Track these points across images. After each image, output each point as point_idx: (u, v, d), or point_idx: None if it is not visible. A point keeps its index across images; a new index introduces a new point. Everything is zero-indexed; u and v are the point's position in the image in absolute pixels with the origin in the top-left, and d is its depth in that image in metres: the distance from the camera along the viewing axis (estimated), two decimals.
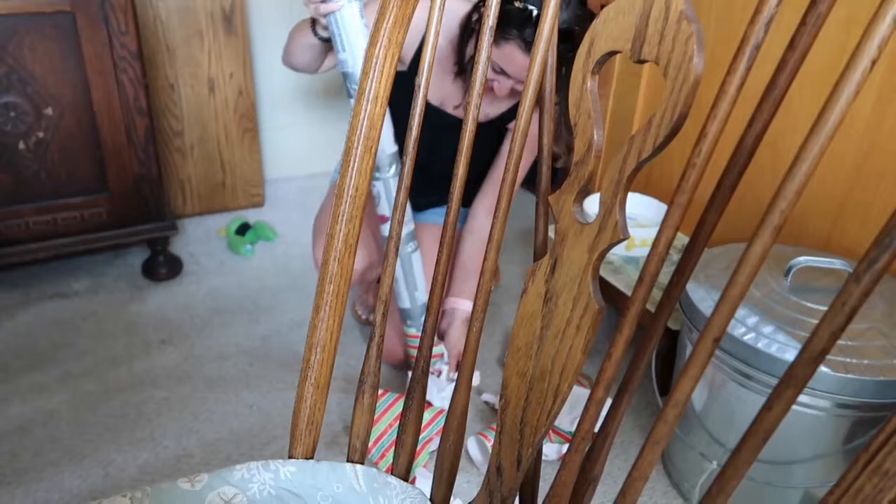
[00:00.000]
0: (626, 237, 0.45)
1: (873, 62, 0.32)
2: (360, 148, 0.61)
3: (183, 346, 1.56)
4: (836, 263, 1.06)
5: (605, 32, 0.45)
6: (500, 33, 1.16)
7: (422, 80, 0.58)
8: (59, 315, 1.65)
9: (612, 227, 0.45)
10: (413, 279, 1.32)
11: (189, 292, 1.77)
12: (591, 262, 0.47)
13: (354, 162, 0.61)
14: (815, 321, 1.00)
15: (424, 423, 1.28)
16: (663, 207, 1.54)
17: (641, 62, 0.43)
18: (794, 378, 0.37)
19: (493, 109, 1.43)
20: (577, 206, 0.48)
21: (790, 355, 0.94)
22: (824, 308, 1.00)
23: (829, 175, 1.27)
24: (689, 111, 0.41)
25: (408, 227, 1.29)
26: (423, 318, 1.40)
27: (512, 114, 1.43)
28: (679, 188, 0.43)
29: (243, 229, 1.96)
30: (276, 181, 2.36)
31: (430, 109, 1.39)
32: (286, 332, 1.63)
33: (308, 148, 2.41)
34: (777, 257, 1.14)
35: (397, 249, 0.62)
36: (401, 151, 1.24)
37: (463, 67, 1.32)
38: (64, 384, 1.43)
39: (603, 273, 1.43)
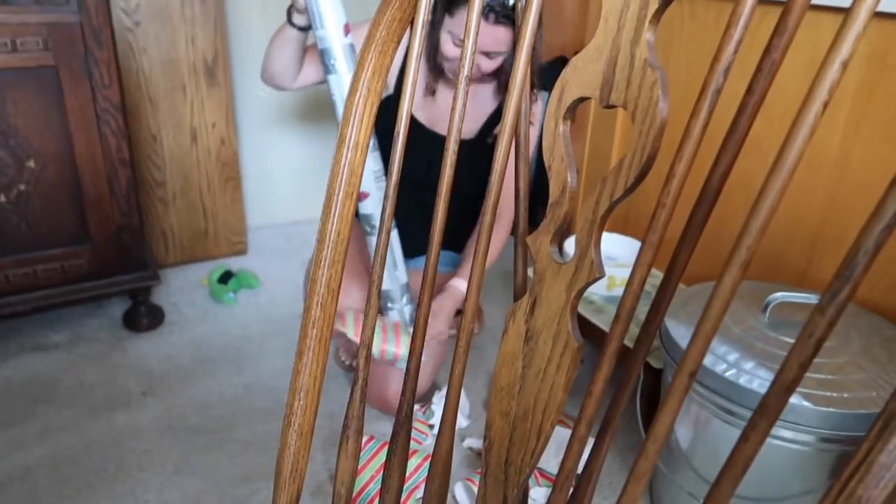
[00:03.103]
0: (601, 275, 0.46)
1: (825, 105, 0.34)
2: (340, 194, 0.62)
3: (165, 398, 1.54)
4: (812, 298, 1.08)
5: (575, 80, 0.47)
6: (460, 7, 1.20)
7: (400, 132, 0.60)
8: (38, 368, 1.62)
9: (589, 267, 0.47)
10: (393, 258, 1.32)
11: (171, 342, 1.75)
12: (569, 300, 0.48)
13: (336, 207, 0.63)
14: None
15: (411, 469, 1.26)
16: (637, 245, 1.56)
17: (610, 107, 0.45)
18: (768, 409, 0.38)
19: (474, 123, 1.45)
20: (553, 246, 0.49)
21: None
22: None
23: (802, 211, 1.30)
24: (658, 153, 0.43)
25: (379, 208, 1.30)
26: (404, 300, 1.40)
27: (495, 120, 1.45)
28: (650, 227, 0.44)
29: (226, 277, 1.96)
30: (260, 228, 2.36)
31: (422, 132, 1.42)
32: (270, 380, 1.62)
33: (291, 195, 2.42)
34: (755, 294, 1.16)
35: (380, 290, 0.62)
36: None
37: (436, 67, 1.35)
38: (43, 439, 1.40)
39: (585, 313, 1.44)
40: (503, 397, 0.53)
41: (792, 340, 1.03)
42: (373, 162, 1.21)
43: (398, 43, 0.61)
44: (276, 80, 1.38)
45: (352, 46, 1.19)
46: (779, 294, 1.09)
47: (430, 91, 1.41)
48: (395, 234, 1.30)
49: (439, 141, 1.40)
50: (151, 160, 2.00)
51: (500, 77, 1.39)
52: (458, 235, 1.54)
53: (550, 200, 0.49)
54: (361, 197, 1.23)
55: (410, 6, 0.58)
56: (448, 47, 1.29)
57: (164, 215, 2.07)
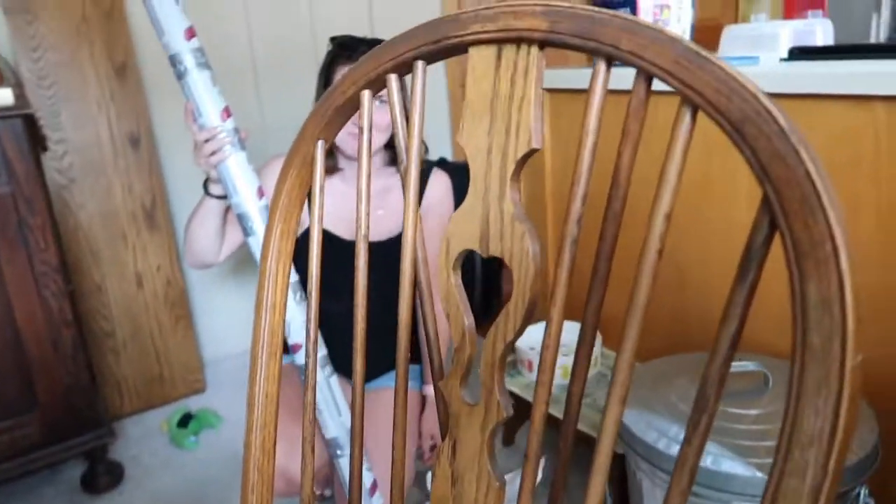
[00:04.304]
0: (510, 414, 0.49)
1: (659, 253, 0.38)
2: (264, 355, 0.64)
3: None
4: (749, 365, 1.11)
5: (457, 233, 0.50)
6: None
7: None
8: None
9: (497, 407, 0.49)
10: (335, 404, 1.29)
11: (133, 499, 1.69)
12: (484, 441, 0.50)
13: (261, 369, 0.64)
14: (742, 426, 1.04)
15: None
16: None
17: (492, 258, 0.48)
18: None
19: (398, 217, 1.41)
20: (463, 389, 0.52)
21: (726, 466, 0.97)
22: (746, 412, 1.04)
23: (724, 280, 1.36)
24: (538, 298, 0.46)
25: (321, 351, 1.27)
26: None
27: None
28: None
29: (185, 420, 1.92)
30: (217, 361, 2.33)
31: (346, 249, 1.39)
32: None
33: (245, 324, 2.41)
34: (697, 366, 1.19)
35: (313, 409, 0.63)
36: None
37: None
38: None
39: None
40: None
41: (737, 410, 1.06)
42: (300, 313, 1.22)
43: (301, 207, 0.64)
44: (202, 257, 1.37)
45: (267, 208, 1.22)
46: None
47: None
48: (334, 380, 1.30)
49: (369, 249, 1.39)
50: (98, 312, 1.99)
51: (393, 150, 1.40)
52: (414, 344, 1.50)
53: (455, 346, 0.52)
54: (295, 349, 1.23)
55: (308, 173, 0.62)
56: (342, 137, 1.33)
57: (117, 366, 2.04)
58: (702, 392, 0.35)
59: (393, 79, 0.55)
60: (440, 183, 1.46)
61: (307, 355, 0.62)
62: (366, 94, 0.56)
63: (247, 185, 1.20)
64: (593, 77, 0.42)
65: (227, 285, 2.35)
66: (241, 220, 1.22)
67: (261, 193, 1.21)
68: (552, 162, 1.76)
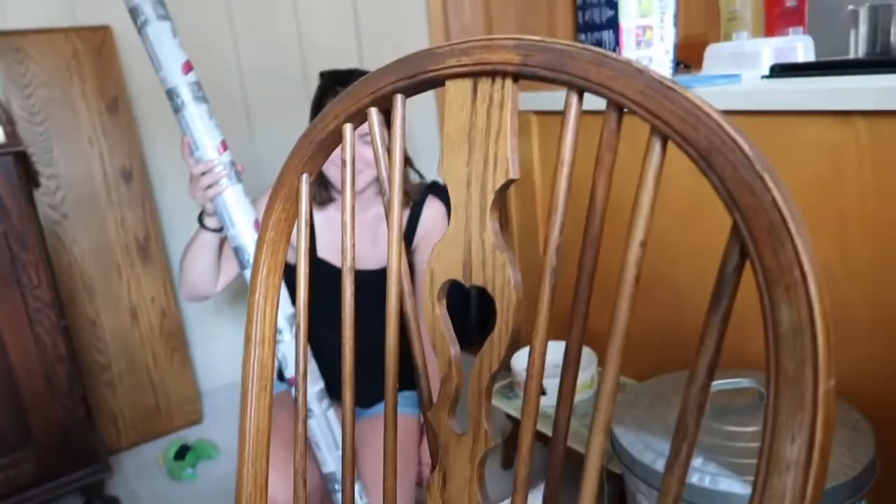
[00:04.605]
0: (497, 443, 0.49)
1: (636, 279, 0.38)
2: (255, 389, 0.64)
3: None
4: (744, 382, 1.11)
5: (440, 264, 0.51)
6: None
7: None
8: None
9: (484, 436, 0.49)
10: (333, 438, 1.28)
11: None
12: (474, 470, 0.50)
13: (251, 402, 0.64)
14: (740, 444, 1.04)
15: None
16: (588, 351, 1.59)
17: (475, 287, 0.49)
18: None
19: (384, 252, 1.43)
20: (452, 419, 0.52)
21: (724, 485, 0.96)
22: (745, 430, 1.04)
23: None
24: (521, 326, 0.47)
25: (317, 384, 1.28)
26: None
27: (411, 232, 1.44)
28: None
29: (183, 452, 1.90)
30: (214, 391, 2.32)
31: (341, 277, 1.39)
32: None
33: (241, 352, 2.40)
34: None
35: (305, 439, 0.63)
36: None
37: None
38: None
39: (541, 427, 1.45)
40: None
41: (735, 428, 1.06)
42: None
43: (287, 240, 0.65)
44: (198, 290, 1.37)
45: None
46: (715, 383, 1.12)
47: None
48: (332, 413, 1.29)
49: (362, 277, 1.40)
50: (93, 346, 1.99)
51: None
52: (412, 370, 1.49)
53: (441, 375, 0.52)
54: (291, 382, 1.24)
55: (293, 206, 0.63)
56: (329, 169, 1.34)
57: (113, 399, 2.03)
58: (681, 421, 0.36)
59: (374, 112, 0.55)
60: (435, 211, 1.46)
61: (296, 387, 0.62)
62: (347, 127, 0.57)
63: (243, 218, 1.20)
64: (566, 109, 0.42)
65: (222, 315, 2.35)
66: (238, 252, 1.22)
67: (257, 226, 1.21)
68: (542, 184, 1.78)
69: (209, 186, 1.18)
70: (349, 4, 2.42)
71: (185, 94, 1.15)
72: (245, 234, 1.20)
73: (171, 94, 1.16)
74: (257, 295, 0.64)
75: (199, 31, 2.13)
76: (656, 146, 0.37)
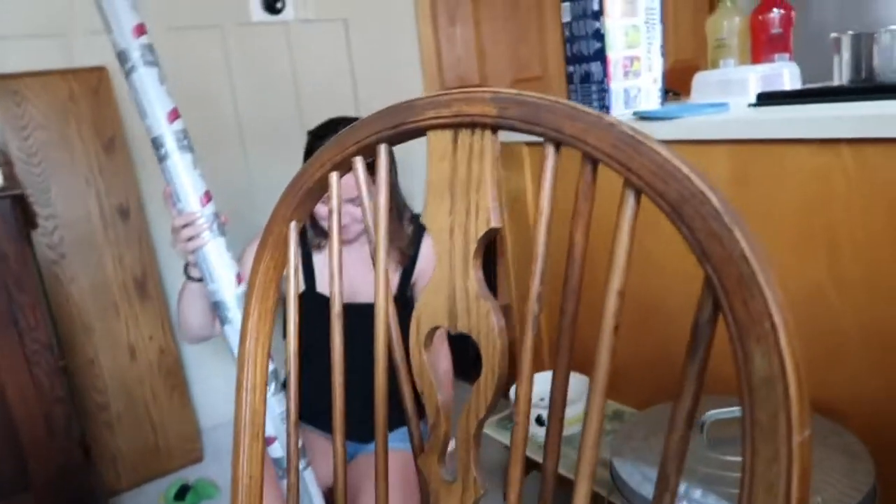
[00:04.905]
0: (485, 490, 0.49)
1: (621, 294, 0.39)
2: (246, 437, 0.64)
3: None
4: (739, 412, 1.11)
5: (426, 311, 0.51)
6: None
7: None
8: None
9: (474, 483, 0.49)
10: (310, 499, 1.25)
11: None
12: None
13: (244, 450, 0.64)
14: (737, 474, 1.03)
15: None
16: (585, 380, 1.59)
17: (460, 333, 0.49)
18: None
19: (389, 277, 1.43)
20: (441, 466, 0.52)
21: None
22: (740, 459, 1.03)
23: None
24: (507, 372, 0.47)
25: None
26: None
27: (410, 268, 1.44)
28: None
29: (183, 492, 1.89)
30: (215, 428, 2.31)
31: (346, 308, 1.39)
32: None
33: None
34: None
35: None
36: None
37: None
38: None
39: (533, 455, 1.44)
40: None
41: (732, 458, 1.05)
42: (276, 404, 1.18)
43: (277, 287, 0.65)
44: (197, 333, 1.37)
45: (245, 294, 1.18)
46: (712, 412, 1.12)
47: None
48: (308, 473, 1.26)
49: (360, 310, 1.40)
50: (92, 385, 1.98)
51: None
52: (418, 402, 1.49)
53: (430, 423, 0.52)
54: (269, 441, 1.19)
55: (281, 253, 0.63)
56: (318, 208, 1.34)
57: (111, 439, 2.01)
58: (662, 471, 0.36)
59: (359, 161, 0.56)
60: (433, 246, 1.47)
61: (288, 439, 0.62)
62: (333, 176, 0.58)
63: (224, 273, 1.18)
64: (544, 160, 0.43)
65: (221, 351, 2.34)
66: (218, 308, 1.18)
67: (239, 280, 1.19)
68: (537, 211, 1.78)
69: (190, 239, 1.17)
70: (343, 42, 2.46)
71: (170, 143, 1.13)
72: (226, 289, 1.17)
73: (156, 143, 1.14)
74: (248, 342, 0.64)
75: (197, 71, 2.16)
76: (630, 199, 0.38)
